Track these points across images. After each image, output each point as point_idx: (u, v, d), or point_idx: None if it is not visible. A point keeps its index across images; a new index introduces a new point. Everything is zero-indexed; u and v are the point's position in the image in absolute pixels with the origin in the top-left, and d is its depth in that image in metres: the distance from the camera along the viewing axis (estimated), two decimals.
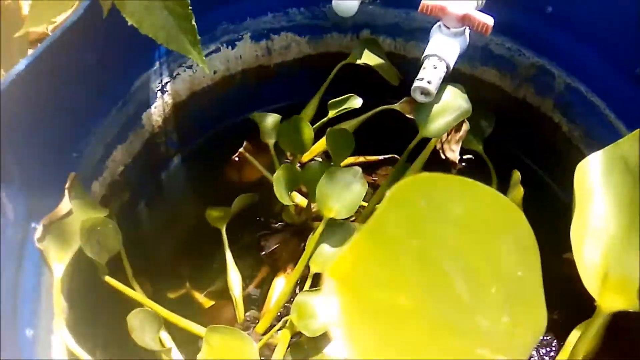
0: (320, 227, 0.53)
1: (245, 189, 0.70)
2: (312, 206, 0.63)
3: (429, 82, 0.52)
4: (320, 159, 0.72)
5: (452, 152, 0.67)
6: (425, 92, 0.53)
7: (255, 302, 0.61)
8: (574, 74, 0.60)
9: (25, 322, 0.43)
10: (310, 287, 0.55)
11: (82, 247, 0.48)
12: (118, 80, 0.58)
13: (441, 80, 0.53)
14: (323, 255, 0.53)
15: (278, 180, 0.55)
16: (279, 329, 0.55)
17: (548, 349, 0.58)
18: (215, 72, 0.68)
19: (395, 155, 0.70)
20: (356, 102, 0.63)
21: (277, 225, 0.67)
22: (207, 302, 0.61)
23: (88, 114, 0.55)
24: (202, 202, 0.69)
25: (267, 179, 0.70)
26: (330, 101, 0.64)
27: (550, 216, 0.66)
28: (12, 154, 0.45)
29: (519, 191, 0.58)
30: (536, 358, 0.57)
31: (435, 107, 0.56)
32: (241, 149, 0.72)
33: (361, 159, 0.70)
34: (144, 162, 0.65)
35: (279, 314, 0.58)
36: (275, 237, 0.64)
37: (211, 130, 0.73)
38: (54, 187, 0.50)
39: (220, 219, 0.64)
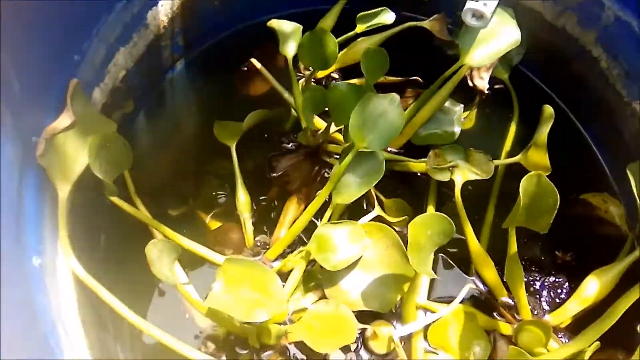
0: (348, 157, 0.49)
1: (253, 103, 0.65)
2: (330, 128, 0.59)
3: (484, 4, 0.46)
4: (336, 76, 0.67)
5: (481, 80, 0.63)
6: (478, 15, 0.47)
7: (264, 226, 0.58)
8: (627, 5, 0.55)
9: (32, 250, 0.39)
10: (330, 219, 0.52)
11: (90, 165, 0.43)
12: None
13: (498, 2, 0.47)
14: (348, 188, 0.50)
15: (307, 102, 0.51)
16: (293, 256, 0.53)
17: (559, 291, 0.57)
18: None
19: (418, 78, 0.65)
20: (388, 17, 0.57)
21: (289, 145, 0.62)
22: (213, 224, 0.58)
23: (90, 10, 0.48)
24: (207, 114, 0.64)
25: (277, 92, 0.65)
26: (359, 14, 0.58)
27: (570, 154, 0.64)
28: (10, 55, 0.39)
29: (545, 129, 0.55)
30: (547, 298, 0.57)
31: (482, 33, 0.50)
32: (252, 59, 0.66)
33: (382, 79, 0.65)
34: (147, 66, 0.59)
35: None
36: (287, 159, 0.60)
37: (219, 34, 0.67)
38: (55, 95, 0.44)
39: (230, 135, 0.59)
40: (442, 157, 0.56)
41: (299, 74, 0.67)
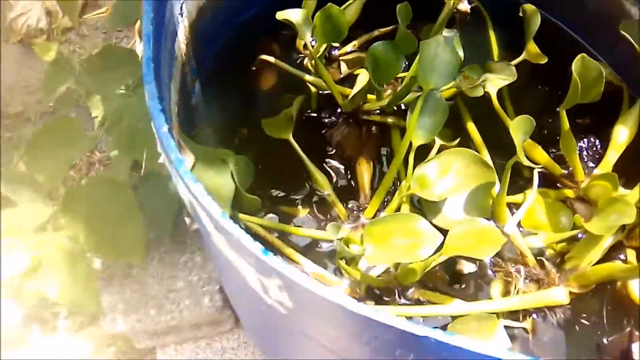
0: (420, 102, 0.55)
1: (272, 96, 0.69)
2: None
3: None
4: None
5: (462, 3, 0.70)
6: None
7: (345, 196, 0.63)
8: None
9: None
10: (414, 160, 0.58)
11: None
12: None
13: None
14: (424, 130, 0.56)
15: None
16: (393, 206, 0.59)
17: (594, 149, 0.68)
18: None
19: None
20: None
21: (330, 118, 0.67)
22: (302, 212, 0.62)
23: None
24: (239, 122, 0.67)
25: (290, 79, 0.69)
26: None
27: (542, 40, 0.73)
28: None
29: (535, 24, 0.64)
30: (588, 158, 0.67)
31: None
32: (260, 56, 0.69)
33: (376, 33, 0.71)
34: (183, 96, 0.61)
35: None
36: (337, 130, 0.65)
37: (217, 45, 0.69)
38: None
39: (283, 129, 0.63)
40: (469, 77, 0.63)
41: (300, 54, 0.72)
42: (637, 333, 0.57)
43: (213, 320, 0.88)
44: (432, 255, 0.49)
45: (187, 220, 0.88)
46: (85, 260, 0.57)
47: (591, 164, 0.66)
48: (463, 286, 0.58)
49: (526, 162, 0.54)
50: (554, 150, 0.66)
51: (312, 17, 0.61)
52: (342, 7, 0.63)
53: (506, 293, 0.58)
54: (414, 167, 0.57)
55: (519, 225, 0.60)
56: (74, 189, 0.59)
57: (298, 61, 0.72)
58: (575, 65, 0.54)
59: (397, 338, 0.27)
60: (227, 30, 0.69)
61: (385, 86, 0.65)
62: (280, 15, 0.62)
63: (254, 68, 0.70)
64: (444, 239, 0.49)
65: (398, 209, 0.59)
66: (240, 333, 0.93)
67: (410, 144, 0.57)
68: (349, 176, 0.64)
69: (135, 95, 0.61)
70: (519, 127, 0.52)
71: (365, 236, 0.50)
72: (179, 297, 0.84)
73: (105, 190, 0.59)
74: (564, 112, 0.58)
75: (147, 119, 0.61)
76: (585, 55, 0.54)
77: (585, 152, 0.68)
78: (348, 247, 0.52)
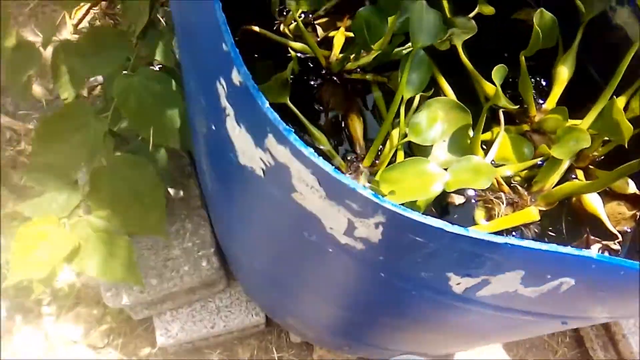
0: (410, 59, 0.62)
1: (256, 62, 0.74)
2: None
3: None
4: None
5: None
6: None
7: (342, 149, 0.70)
8: None
9: None
10: (407, 112, 0.66)
11: None
12: None
13: None
14: (413, 84, 0.64)
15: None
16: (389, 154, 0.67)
17: (540, 87, 0.79)
18: None
19: None
20: None
21: (316, 80, 0.73)
22: None
23: None
24: None
25: (267, 45, 0.74)
26: None
27: None
28: None
29: None
30: (536, 95, 0.78)
31: None
32: (244, 26, 0.73)
33: None
34: None
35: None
36: (325, 89, 0.72)
37: None
38: None
39: (279, 93, 0.68)
40: None
41: (276, 21, 0.76)
42: (592, 237, 0.69)
43: (207, 282, 0.93)
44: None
45: (172, 190, 0.92)
46: (121, 238, 0.61)
47: (540, 101, 0.77)
48: (456, 214, 0.67)
49: (504, 104, 0.64)
50: (508, 91, 0.77)
51: None
52: None
53: (489, 217, 0.68)
54: (406, 117, 0.65)
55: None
56: (97, 171, 0.61)
57: (274, 28, 0.77)
58: (535, 17, 0.64)
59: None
60: None
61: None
62: None
63: (237, 38, 0.74)
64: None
65: (393, 156, 0.67)
66: (232, 291, 1.00)
67: (402, 97, 0.65)
68: (342, 131, 0.71)
69: (137, 75, 0.64)
70: (497, 74, 0.61)
71: (383, 181, 0.57)
72: (177, 264, 0.88)
73: (127, 169, 0.62)
74: (523, 57, 0.68)
75: (151, 97, 0.65)
76: (544, 9, 0.64)
77: (533, 91, 0.78)
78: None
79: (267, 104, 0.36)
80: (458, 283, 0.43)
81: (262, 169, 0.43)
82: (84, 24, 1.30)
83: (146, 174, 0.61)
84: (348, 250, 0.44)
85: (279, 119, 0.36)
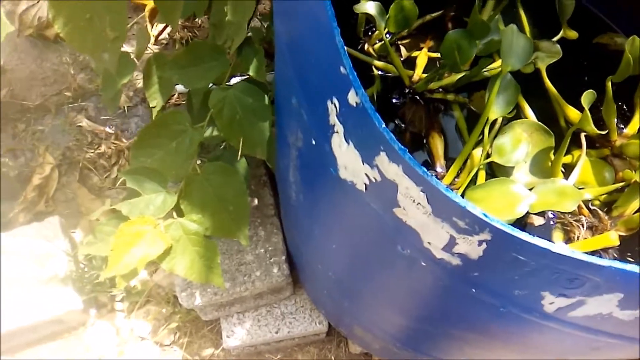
0: (498, 81, 0.64)
1: None
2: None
3: None
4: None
5: None
6: None
7: (423, 166, 0.72)
8: None
9: None
10: (489, 133, 0.68)
11: None
12: None
13: None
14: (499, 105, 0.65)
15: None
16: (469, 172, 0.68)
17: (622, 112, 0.79)
18: None
19: (448, 8, 0.80)
20: None
21: (398, 99, 0.75)
22: None
23: None
24: None
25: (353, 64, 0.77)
26: None
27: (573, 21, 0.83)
28: None
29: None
30: (618, 120, 0.78)
31: None
32: None
33: (427, 18, 0.79)
34: None
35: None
36: (408, 108, 0.74)
37: None
38: None
39: None
40: None
41: (361, 40, 0.79)
42: None
43: (276, 288, 0.96)
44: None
45: (249, 199, 0.95)
46: (209, 241, 0.64)
47: (621, 126, 0.77)
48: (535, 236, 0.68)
49: (591, 129, 0.64)
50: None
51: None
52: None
53: (567, 240, 0.69)
54: (489, 137, 0.67)
55: None
56: (191, 177, 0.65)
57: (358, 47, 0.79)
58: (628, 44, 0.64)
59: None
60: None
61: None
62: (358, 8, 0.69)
63: None
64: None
65: (474, 175, 0.68)
66: (297, 299, 1.02)
67: (487, 118, 0.66)
68: (423, 149, 0.73)
69: (232, 88, 0.67)
70: (586, 99, 0.62)
71: (467, 200, 0.59)
72: (249, 269, 0.92)
73: (217, 177, 0.65)
74: (609, 83, 0.69)
75: (243, 109, 0.68)
76: (636, 37, 0.65)
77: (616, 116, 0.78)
78: None
79: (383, 124, 0.38)
80: (551, 302, 0.44)
81: (365, 184, 0.46)
82: (164, 35, 1.37)
83: (233, 182, 0.65)
84: (443, 265, 0.46)
85: (395, 138, 0.38)
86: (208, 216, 0.65)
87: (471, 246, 0.40)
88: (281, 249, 0.93)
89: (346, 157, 0.46)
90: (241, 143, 0.68)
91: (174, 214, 0.64)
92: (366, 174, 0.44)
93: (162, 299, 1.09)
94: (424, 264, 0.48)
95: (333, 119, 0.45)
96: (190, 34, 1.35)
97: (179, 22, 1.34)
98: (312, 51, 0.47)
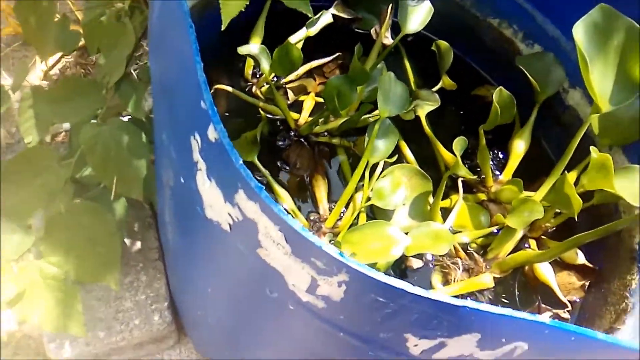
0: (377, 126, 0.65)
1: (227, 120, 0.75)
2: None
3: None
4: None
5: (387, 39, 0.82)
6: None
7: (305, 208, 0.72)
8: None
9: None
10: (371, 177, 0.68)
11: None
12: None
13: None
14: (378, 150, 0.66)
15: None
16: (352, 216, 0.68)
17: (497, 159, 0.83)
18: None
19: (340, 53, 0.82)
20: (327, 17, 0.72)
21: (284, 141, 0.75)
22: None
23: None
24: None
25: (238, 105, 0.76)
26: (308, 21, 0.72)
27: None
28: None
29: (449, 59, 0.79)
30: (493, 166, 0.82)
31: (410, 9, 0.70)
32: (216, 85, 0.75)
33: (316, 63, 0.81)
34: None
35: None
36: (293, 151, 0.73)
37: None
38: None
39: (249, 152, 0.69)
40: None
41: (249, 83, 0.79)
42: (543, 305, 0.71)
43: (158, 337, 0.91)
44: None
45: (129, 241, 0.91)
46: (69, 286, 0.59)
47: (497, 172, 0.81)
48: (414, 278, 0.69)
49: (463, 174, 0.66)
50: (467, 162, 0.80)
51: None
52: (294, 43, 0.72)
53: (445, 282, 0.70)
54: (370, 181, 0.67)
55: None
56: (54, 217, 0.60)
57: (246, 89, 0.79)
58: (495, 95, 0.68)
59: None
60: None
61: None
62: (242, 50, 0.69)
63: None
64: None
65: (355, 218, 0.68)
66: (182, 348, 0.97)
67: (367, 162, 0.67)
68: (307, 192, 0.73)
69: (107, 125, 0.64)
70: (457, 146, 0.65)
71: (344, 243, 0.59)
72: (128, 317, 0.86)
73: (86, 217, 0.61)
74: (482, 131, 0.72)
75: (118, 147, 0.65)
76: (503, 88, 0.68)
77: (490, 162, 0.82)
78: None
79: (240, 161, 0.37)
80: (415, 345, 0.43)
81: (229, 224, 0.44)
82: (55, 70, 1.31)
83: (104, 223, 0.61)
84: (309, 308, 0.44)
85: (251, 175, 0.37)
86: (73, 259, 0.60)
87: (332, 287, 0.39)
88: (164, 295, 0.88)
89: (210, 196, 0.44)
90: (115, 183, 0.64)
91: (31, 256, 0.59)
92: (229, 213, 0.42)
93: (33, 352, 1.00)
94: (292, 307, 0.46)
95: (196, 155, 0.43)
96: (83, 70, 1.30)
97: (72, 58, 1.29)
98: (179, 86, 0.46)
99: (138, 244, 0.90)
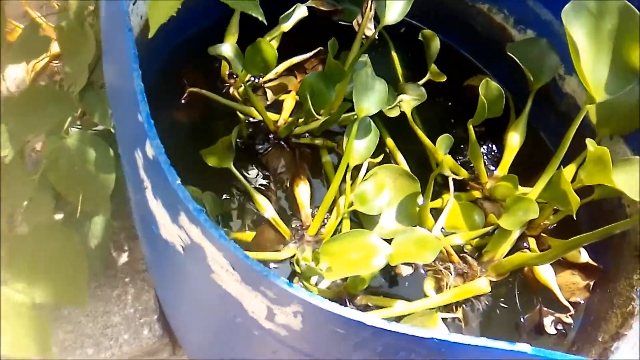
0: (355, 127, 0.61)
1: (202, 126, 0.72)
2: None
3: None
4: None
5: (370, 30, 0.77)
6: None
7: (287, 216, 0.68)
8: None
9: None
10: (352, 180, 0.64)
11: None
12: None
13: None
14: (358, 152, 0.62)
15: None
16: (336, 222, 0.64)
17: (492, 153, 0.78)
18: None
19: (321, 48, 0.78)
20: (302, 11, 0.68)
21: (263, 145, 0.71)
22: (248, 236, 0.66)
23: None
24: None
25: (216, 108, 0.72)
26: (281, 16, 0.68)
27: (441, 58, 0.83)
28: None
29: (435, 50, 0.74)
30: (488, 161, 0.77)
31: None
32: (190, 88, 0.71)
33: (295, 60, 0.76)
34: None
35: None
36: (273, 154, 0.69)
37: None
38: None
39: (224, 158, 0.66)
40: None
41: (225, 84, 0.75)
42: (545, 309, 0.67)
43: (149, 351, 0.88)
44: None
45: (114, 253, 0.87)
46: (36, 311, 0.56)
47: (492, 167, 0.76)
48: (405, 285, 0.65)
49: (448, 173, 0.62)
50: (460, 158, 0.76)
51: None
52: (268, 40, 0.67)
53: (438, 289, 0.66)
54: (352, 185, 0.63)
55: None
56: (17, 239, 0.57)
57: (224, 90, 0.75)
58: (481, 88, 0.63)
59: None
60: (153, 63, 0.71)
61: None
62: (213, 50, 0.65)
63: (184, 101, 0.72)
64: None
65: (339, 224, 0.64)
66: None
67: (348, 164, 0.63)
68: (288, 197, 0.69)
69: (70, 137, 0.61)
70: (442, 144, 0.60)
71: (322, 254, 0.55)
72: (116, 332, 0.83)
73: (51, 239, 0.58)
74: (471, 126, 0.67)
75: (83, 161, 0.62)
76: (489, 79, 0.64)
77: (485, 157, 0.77)
78: (305, 266, 0.56)
79: (178, 181, 0.34)
80: None
81: (182, 246, 0.40)
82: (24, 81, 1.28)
83: (69, 244, 0.58)
84: (273, 334, 0.41)
85: (190, 197, 0.33)
86: (39, 283, 0.57)
87: (288, 317, 0.36)
88: (153, 308, 0.85)
89: (160, 215, 0.40)
90: (80, 199, 0.61)
91: None
92: (178, 235, 0.39)
93: None
94: (256, 333, 0.42)
95: (141, 172, 0.40)
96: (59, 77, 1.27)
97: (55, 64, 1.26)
98: (122, 95, 0.42)
99: (124, 256, 0.87)
